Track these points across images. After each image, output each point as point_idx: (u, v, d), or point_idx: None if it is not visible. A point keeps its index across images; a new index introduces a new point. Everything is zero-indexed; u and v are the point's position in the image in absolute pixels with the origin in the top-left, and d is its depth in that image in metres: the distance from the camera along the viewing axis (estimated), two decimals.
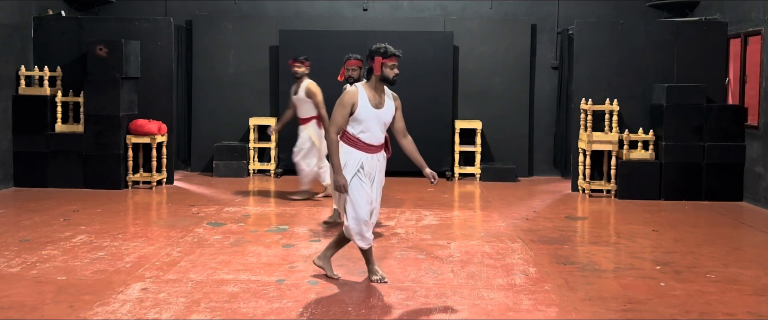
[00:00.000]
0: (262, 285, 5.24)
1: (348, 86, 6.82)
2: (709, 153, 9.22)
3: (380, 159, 5.34)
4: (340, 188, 5.11)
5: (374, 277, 5.39)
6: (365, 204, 5.18)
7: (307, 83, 8.46)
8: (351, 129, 5.19)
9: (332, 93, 7.26)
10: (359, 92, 5.18)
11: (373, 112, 5.18)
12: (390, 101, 5.29)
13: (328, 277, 5.43)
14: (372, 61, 5.21)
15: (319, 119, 8.43)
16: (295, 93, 8.53)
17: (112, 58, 9.35)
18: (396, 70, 5.21)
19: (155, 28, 9.92)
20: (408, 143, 5.46)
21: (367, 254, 5.40)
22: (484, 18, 11.36)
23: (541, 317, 4.69)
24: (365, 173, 5.21)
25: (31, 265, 5.69)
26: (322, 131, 8.46)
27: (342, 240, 5.43)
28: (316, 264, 5.52)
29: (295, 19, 11.35)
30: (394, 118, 5.33)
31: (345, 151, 5.20)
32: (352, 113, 5.15)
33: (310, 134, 8.55)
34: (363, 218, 5.18)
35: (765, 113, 8.79)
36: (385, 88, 5.28)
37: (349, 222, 5.19)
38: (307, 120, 8.55)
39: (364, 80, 5.30)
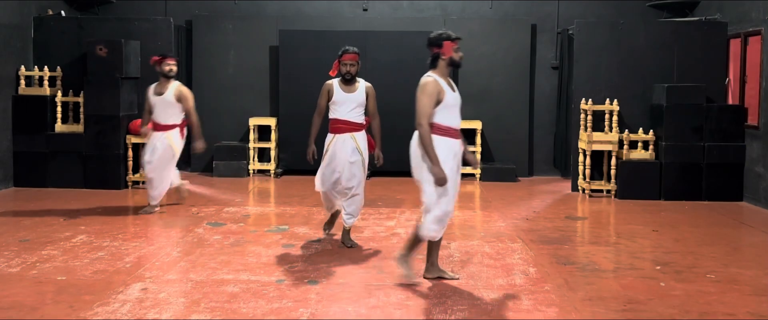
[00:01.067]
0: (262, 285, 5.24)
1: (333, 80, 6.37)
2: (709, 153, 9.22)
3: (461, 144, 5.31)
4: (442, 181, 5.02)
5: (440, 274, 5.43)
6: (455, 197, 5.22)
7: (178, 85, 7.77)
8: (439, 120, 5.12)
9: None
10: (438, 80, 5.16)
11: (456, 97, 5.20)
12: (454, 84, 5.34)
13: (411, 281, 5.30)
14: (440, 47, 5.21)
15: (182, 126, 7.79)
16: (159, 94, 7.72)
17: (112, 58, 9.35)
18: (461, 53, 5.27)
19: (155, 28, 9.93)
20: None
21: (435, 247, 5.40)
22: (484, 18, 11.36)
23: (541, 317, 4.69)
24: (455, 162, 5.17)
25: (31, 265, 5.69)
26: (182, 141, 7.88)
27: (418, 239, 5.28)
28: (402, 271, 5.35)
29: (295, 19, 11.35)
30: None
31: (438, 144, 5.10)
32: (438, 103, 5.10)
33: (171, 143, 7.76)
34: (451, 211, 5.19)
35: (765, 113, 8.79)
36: None
37: (439, 214, 5.12)
38: (169, 127, 7.75)
39: (430, 69, 5.27)
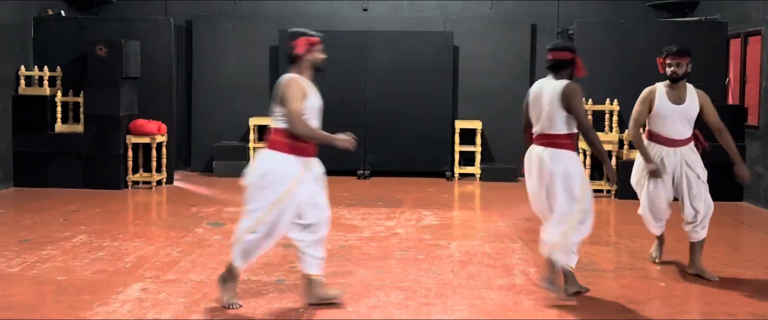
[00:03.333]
0: (262, 285, 5.24)
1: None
2: (708, 153, 9.19)
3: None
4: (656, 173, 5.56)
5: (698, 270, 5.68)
6: (656, 200, 5.69)
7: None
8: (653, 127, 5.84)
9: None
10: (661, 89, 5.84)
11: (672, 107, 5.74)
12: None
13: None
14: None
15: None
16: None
17: (112, 58, 9.34)
18: (671, 69, 5.70)
19: (155, 28, 9.92)
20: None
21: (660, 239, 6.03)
22: (484, 18, 11.36)
23: (541, 317, 4.69)
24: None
25: (31, 265, 5.69)
26: None
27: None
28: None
29: (295, 19, 11.33)
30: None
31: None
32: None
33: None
34: (654, 213, 5.77)
35: (765, 113, 8.79)
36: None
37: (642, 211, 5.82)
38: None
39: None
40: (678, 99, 5.64)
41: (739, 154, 5.83)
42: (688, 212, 5.65)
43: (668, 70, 5.65)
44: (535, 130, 5.07)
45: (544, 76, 5.41)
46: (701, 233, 5.69)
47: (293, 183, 4.48)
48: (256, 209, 4.51)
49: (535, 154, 5.03)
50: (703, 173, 5.69)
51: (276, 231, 4.59)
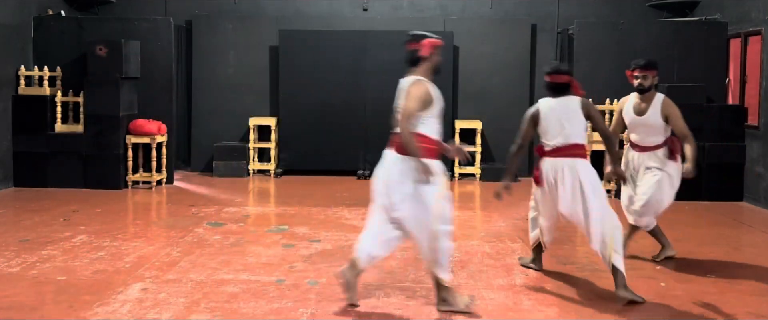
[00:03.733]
0: (262, 285, 5.25)
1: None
2: (709, 153, 9.21)
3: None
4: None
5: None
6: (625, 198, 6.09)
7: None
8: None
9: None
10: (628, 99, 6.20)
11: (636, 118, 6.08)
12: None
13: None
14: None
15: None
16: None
17: (112, 58, 9.34)
18: (638, 81, 5.94)
19: (155, 28, 9.92)
20: None
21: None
22: (484, 18, 11.36)
23: (541, 317, 4.69)
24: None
25: (31, 265, 5.69)
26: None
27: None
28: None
29: (295, 19, 11.35)
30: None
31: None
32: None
33: None
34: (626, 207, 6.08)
35: (765, 113, 8.79)
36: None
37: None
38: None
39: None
40: (641, 110, 5.99)
41: (696, 158, 5.93)
42: (636, 198, 6.00)
43: (635, 83, 5.99)
44: (553, 144, 5.27)
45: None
46: (640, 221, 6.01)
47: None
48: (421, 223, 4.56)
49: (562, 166, 5.22)
50: (665, 169, 5.92)
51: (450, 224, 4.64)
